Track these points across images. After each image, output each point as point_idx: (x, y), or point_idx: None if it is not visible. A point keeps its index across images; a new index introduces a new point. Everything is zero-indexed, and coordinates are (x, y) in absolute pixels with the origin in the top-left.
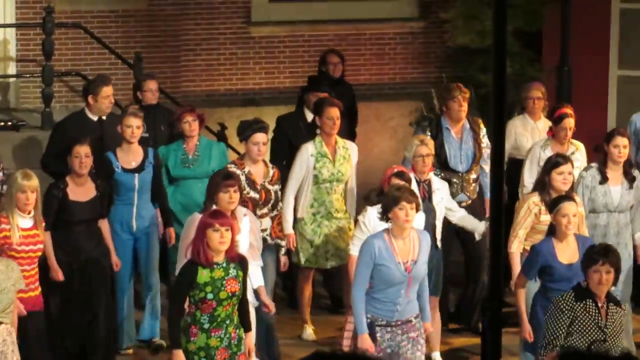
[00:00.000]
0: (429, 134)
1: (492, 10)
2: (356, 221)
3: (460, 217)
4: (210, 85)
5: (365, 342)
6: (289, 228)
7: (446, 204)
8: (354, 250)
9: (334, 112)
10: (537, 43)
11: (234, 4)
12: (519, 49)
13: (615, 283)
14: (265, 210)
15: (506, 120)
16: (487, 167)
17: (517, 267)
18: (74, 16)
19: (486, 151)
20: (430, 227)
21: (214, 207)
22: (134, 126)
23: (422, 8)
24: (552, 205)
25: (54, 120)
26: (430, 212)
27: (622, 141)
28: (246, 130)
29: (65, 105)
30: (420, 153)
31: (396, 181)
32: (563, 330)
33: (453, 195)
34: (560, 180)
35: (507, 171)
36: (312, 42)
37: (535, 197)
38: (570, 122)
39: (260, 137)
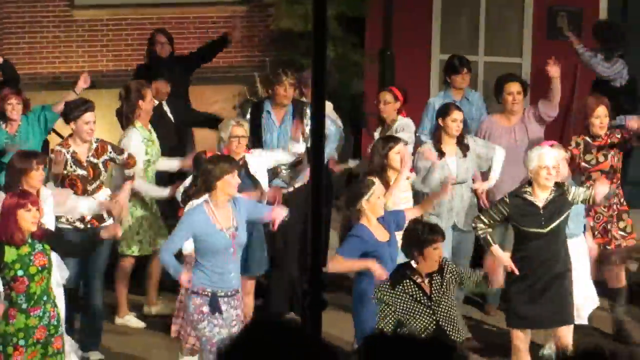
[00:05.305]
0: (249, 116)
1: None
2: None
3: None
4: (33, 68)
5: (183, 278)
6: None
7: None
8: None
9: (148, 95)
10: (360, 28)
11: None
12: (342, 33)
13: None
14: (96, 183)
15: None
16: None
17: None
18: None
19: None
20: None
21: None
22: None
23: None
24: None
25: None
26: (250, 187)
27: (459, 115)
28: (75, 110)
29: None
30: (235, 134)
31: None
32: (391, 321)
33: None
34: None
35: None
36: (135, 26)
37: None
38: (383, 95)
39: (90, 116)
